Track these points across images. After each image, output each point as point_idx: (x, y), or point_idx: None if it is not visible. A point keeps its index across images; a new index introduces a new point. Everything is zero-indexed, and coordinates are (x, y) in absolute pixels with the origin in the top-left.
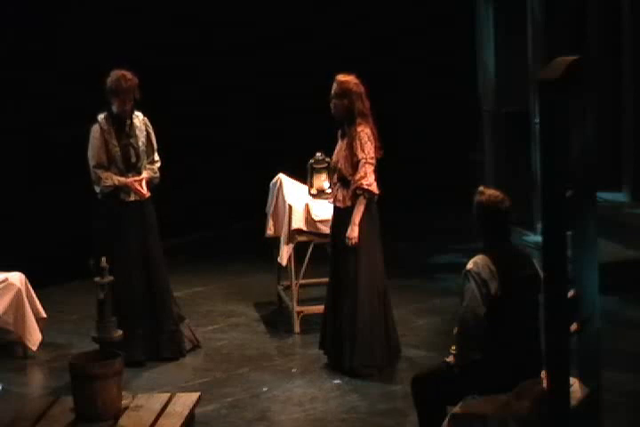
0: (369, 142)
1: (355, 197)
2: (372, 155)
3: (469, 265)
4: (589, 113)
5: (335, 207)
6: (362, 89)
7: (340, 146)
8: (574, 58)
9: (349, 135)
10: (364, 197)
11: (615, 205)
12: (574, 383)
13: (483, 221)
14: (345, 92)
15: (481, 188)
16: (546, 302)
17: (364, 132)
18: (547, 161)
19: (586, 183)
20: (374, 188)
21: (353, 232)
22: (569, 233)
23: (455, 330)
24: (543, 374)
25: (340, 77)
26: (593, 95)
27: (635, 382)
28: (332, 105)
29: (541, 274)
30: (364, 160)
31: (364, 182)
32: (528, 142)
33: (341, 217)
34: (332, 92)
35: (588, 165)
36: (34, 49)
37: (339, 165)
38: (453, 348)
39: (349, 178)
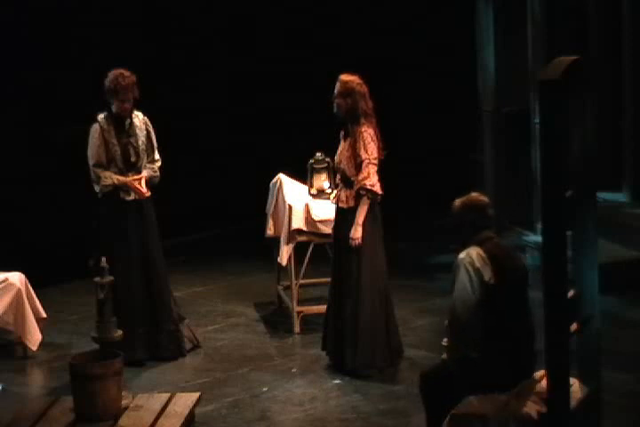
0: (372, 143)
1: (358, 198)
2: (376, 155)
3: (461, 255)
4: (589, 113)
5: (338, 208)
6: (365, 89)
7: (343, 146)
8: (574, 58)
9: (352, 135)
10: (368, 198)
11: (615, 205)
12: (574, 383)
13: (472, 217)
14: (348, 91)
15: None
16: (546, 302)
17: (368, 133)
18: (547, 161)
19: (586, 183)
20: (377, 188)
21: (356, 233)
22: (569, 233)
23: (446, 322)
24: (540, 373)
25: (344, 77)
26: (593, 95)
27: (635, 383)
28: (334, 104)
29: (528, 267)
30: (367, 160)
31: (368, 183)
32: (528, 142)
33: (344, 217)
34: (336, 91)
35: (588, 165)
36: (34, 50)
37: (342, 166)
38: (445, 340)
39: (352, 178)
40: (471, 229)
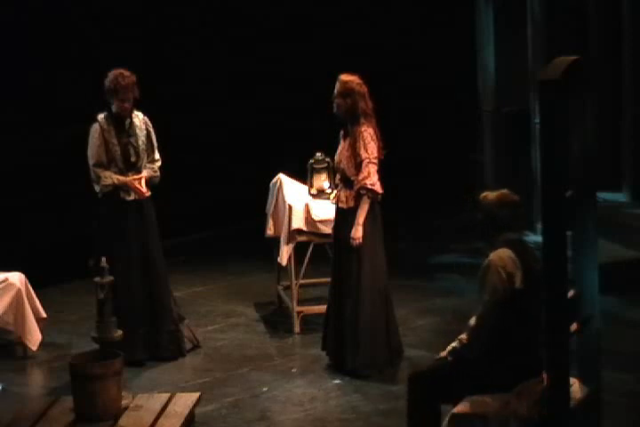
0: (372, 142)
1: (358, 198)
2: (376, 155)
3: (493, 257)
4: (589, 113)
5: (338, 208)
6: (365, 89)
7: (343, 146)
8: (574, 58)
9: (352, 135)
10: (368, 197)
11: (615, 205)
12: (574, 383)
13: (505, 214)
14: (348, 91)
15: (484, 193)
16: (546, 302)
17: (367, 132)
18: (547, 161)
19: (586, 183)
20: (378, 187)
21: (357, 232)
22: (569, 233)
23: (473, 321)
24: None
25: (343, 77)
26: (593, 95)
27: (635, 382)
28: (334, 104)
29: None
30: (367, 160)
31: (368, 182)
32: (528, 142)
33: (344, 217)
34: (335, 91)
35: (588, 165)
36: (34, 50)
37: (341, 166)
38: (464, 337)
39: (352, 178)
40: (501, 226)
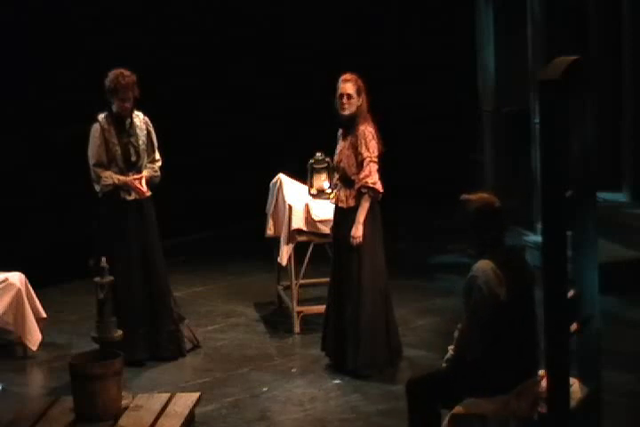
0: (373, 141)
1: (359, 197)
2: (377, 153)
3: (477, 273)
4: (589, 113)
5: (337, 207)
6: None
7: (343, 145)
8: (574, 58)
9: (353, 134)
10: (369, 196)
11: (615, 205)
12: (574, 383)
13: (481, 224)
14: (360, 89)
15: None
16: (546, 302)
17: (368, 131)
18: (547, 161)
19: (586, 183)
20: (379, 186)
21: (357, 231)
22: (569, 233)
23: (456, 334)
24: (541, 372)
25: (350, 76)
26: (593, 95)
27: (635, 383)
28: (345, 104)
29: (533, 270)
30: (368, 159)
31: (369, 181)
32: (528, 142)
33: (344, 217)
34: (346, 91)
35: (587, 165)
36: (34, 50)
37: (342, 165)
38: (451, 347)
39: (353, 177)
40: (486, 235)
